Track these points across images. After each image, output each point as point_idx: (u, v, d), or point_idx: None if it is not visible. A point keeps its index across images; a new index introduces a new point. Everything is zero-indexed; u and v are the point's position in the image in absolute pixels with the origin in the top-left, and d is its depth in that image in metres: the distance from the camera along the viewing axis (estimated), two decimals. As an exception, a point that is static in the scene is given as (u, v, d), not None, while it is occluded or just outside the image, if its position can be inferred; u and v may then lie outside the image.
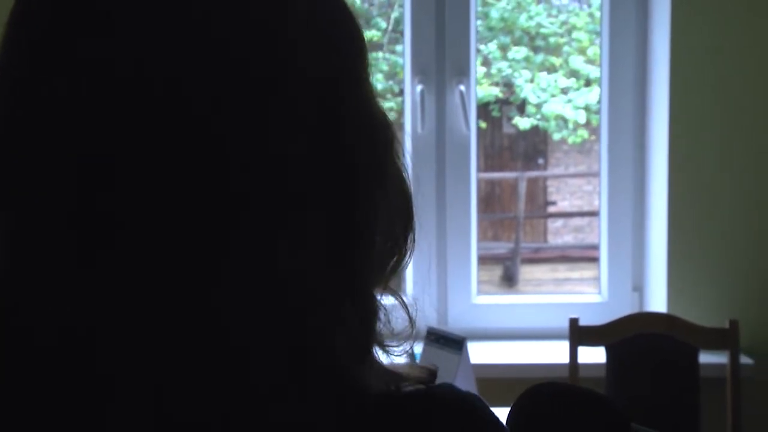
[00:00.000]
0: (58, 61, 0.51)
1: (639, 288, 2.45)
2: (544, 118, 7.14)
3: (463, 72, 2.41)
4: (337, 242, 0.54)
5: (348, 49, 0.57)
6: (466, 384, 1.74)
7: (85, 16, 0.52)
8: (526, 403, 0.66)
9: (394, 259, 0.59)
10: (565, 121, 7.12)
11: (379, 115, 0.58)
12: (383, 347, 0.58)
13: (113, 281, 0.50)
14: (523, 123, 7.23)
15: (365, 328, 0.56)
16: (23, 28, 0.54)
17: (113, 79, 0.51)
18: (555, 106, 7.05)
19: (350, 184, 0.55)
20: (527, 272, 7.53)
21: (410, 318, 0.60)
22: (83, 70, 0.51)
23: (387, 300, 0.60)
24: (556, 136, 7.44)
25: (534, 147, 8.57)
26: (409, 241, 0.60)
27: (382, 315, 0.58)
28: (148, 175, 0.50)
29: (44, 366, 0.51)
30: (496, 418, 0.57)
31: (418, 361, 1.79)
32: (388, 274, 0.59)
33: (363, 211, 0.56)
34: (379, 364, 0.57)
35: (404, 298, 0.60)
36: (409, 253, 0.60)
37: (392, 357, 0.59)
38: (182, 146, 0.51)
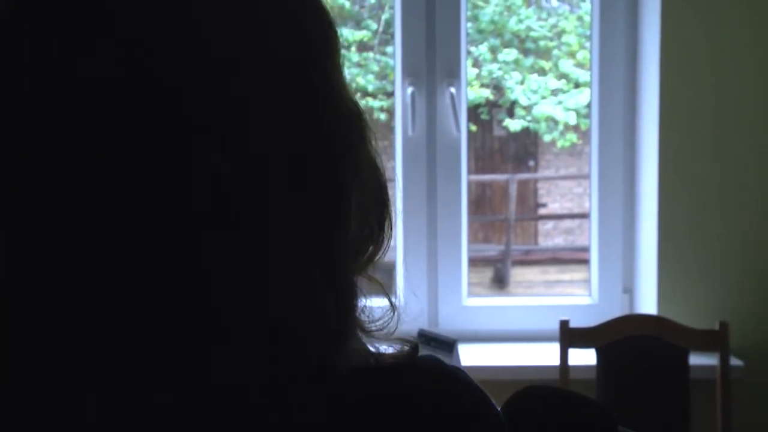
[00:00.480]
0: (31, 62, 0.51)
1: (629, 290, 2.46)
2: (535, 120, 7.16)
3: (453, 74, 2.41)
4: (314, 228, 0.55)
5: (319, 38, 0.58)
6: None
7: (50, 11, 0.52)
8: (516, 405, 0.66)
9: (372, 246, 0.60)
10: (556, 122, 7.14)
11: (351, 104, 0.59)
12: (365, 332, 0.59)
13: (99, 277, 0.50)
14: (513, 125, 7.24)
15: (342, 310, 0.56)
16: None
17: (92, 76, 0.51)
18: (545, 108, 7.06)
19: (326, 171, 0.56)
20: (518, 274, 7.54)
21: (391, 303, 0.60)
22: (57, 68, 0.51)
23: (368, 288, 0.60)
24: (547, 138, 7.46)
25: (524, 149, 8.58)
26: (386, 228, 0.60)
27: (360, 300, 0.58)
28: (125, 166, 0.50)
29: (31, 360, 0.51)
30: (480, 391, 0.57)
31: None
32: (367, 260, 0.60)
33: (338, 197, 0.56)
34: (361, 345, 0.57)
35: (383, 284, 0.61)
36: (386, 240, 0.60)
37: (375, 341, 0.59)
38: (156, 134, 0.51)
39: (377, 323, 0.59)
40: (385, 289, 0.61)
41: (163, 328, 0.50)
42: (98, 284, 0.50)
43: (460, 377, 0.57)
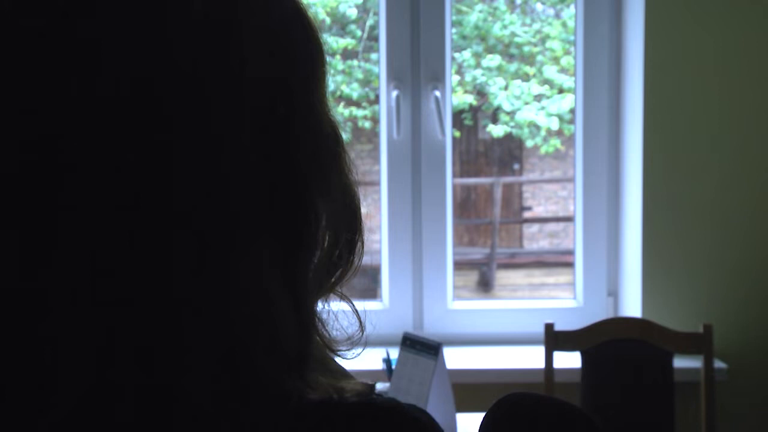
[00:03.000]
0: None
1: (614, 293, 2.47)
2: (518, 126, 7.17)
3: (438, 78, 2.41)
4: (276, 249, 0.55)
5: (301, 59, 0.58)
6: (442, 389, 1.73)
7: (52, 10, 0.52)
8: (500, 412, 0.66)
9: (341, 268, 0.60)
10: (538, 128, 7.14)
11: (329, 127, 0.59)
12: (333, 351, 0.59)
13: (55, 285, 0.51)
14: (496, 130, 7.24)
15: (304, 334, 0.56)
16: None
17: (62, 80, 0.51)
18: (528, 114, 7.07)
19: (293, 193, 0.56)
20: (503, 277, 7.55)
21: (360, 323, 0.61)
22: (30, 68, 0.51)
23: (339, 306, 0.61)
24: (530, 144, 7.47)
25: (509, 152, 8.60)
26: (356, 251, 0.61)
27: (328, 321, 0.59)
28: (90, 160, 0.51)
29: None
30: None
31: (394, 366, 1.78)
32: (337, 280, 0.60)
33: (307, 218, 0.57)
34: (323, 375, 0.58)
35: (355, 304, 0.62)
36: (356, 263, 0.61)
37: (342, 359, 0.60)
38: (133, 145, 0.51)
39: (345, 343, 0.60)
40: (355, 308, 0.61)
41: (121, 329, 0.51)
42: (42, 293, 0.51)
43: (417, 413, 0.58)
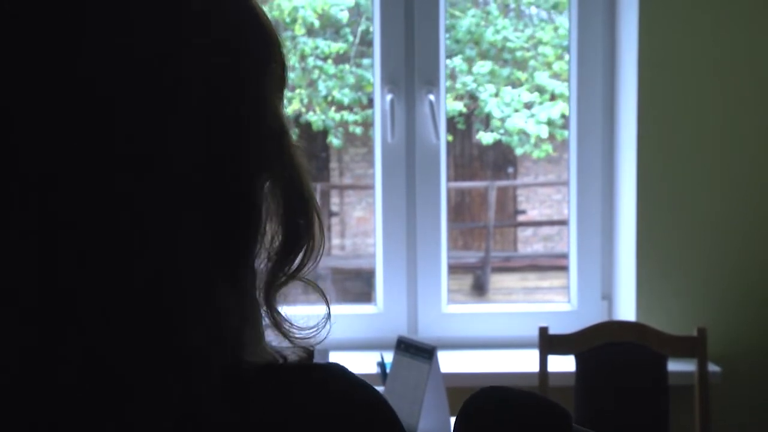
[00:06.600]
0: None
1: (608, 297, 2.47)
2: (508, 133, 7.16)
3: (432, 82, 2.41)
4: (218, 229, 0.57)
5: (251, 47, 0.60)
6: (436, 393, 1.73)
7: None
8: (472, 407, 0.66)
9: (303, 249, 0.62)
10: (528, 136, 7.13)
11: (276, 120, 0.61)
12: (289, 339, 0.61)
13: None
14: (486, 138, 7.24)
15: (243, 311, 0.58)
16: None
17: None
18: (518, 121, 7.05)
19: (235, 180, 0.58)
20: (497, 281, 7.55)
21: (327, 303, 0.63)
22: None
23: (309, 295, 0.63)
24: (519, 151, 7.46)
25: (503, 156, 8.61)
26: (314, 232, 0.62)
27: (277, 308, 0.61)
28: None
29: None
30: (382, 400, 0.59)
31: (389, 370, 1.78)
32: (298, 268, 0.62)
33: (247, 206, 0.59)
34: (264, 345, 0.60)
35: (319, 286, 0.64)
36: (315, 250, 0.62)
37: (297, 341, 0.61)
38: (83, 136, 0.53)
39: (307, 331, 0.62)
40: (324, 295, 0.63)
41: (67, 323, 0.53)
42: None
43: (359, 382, 0.59)
